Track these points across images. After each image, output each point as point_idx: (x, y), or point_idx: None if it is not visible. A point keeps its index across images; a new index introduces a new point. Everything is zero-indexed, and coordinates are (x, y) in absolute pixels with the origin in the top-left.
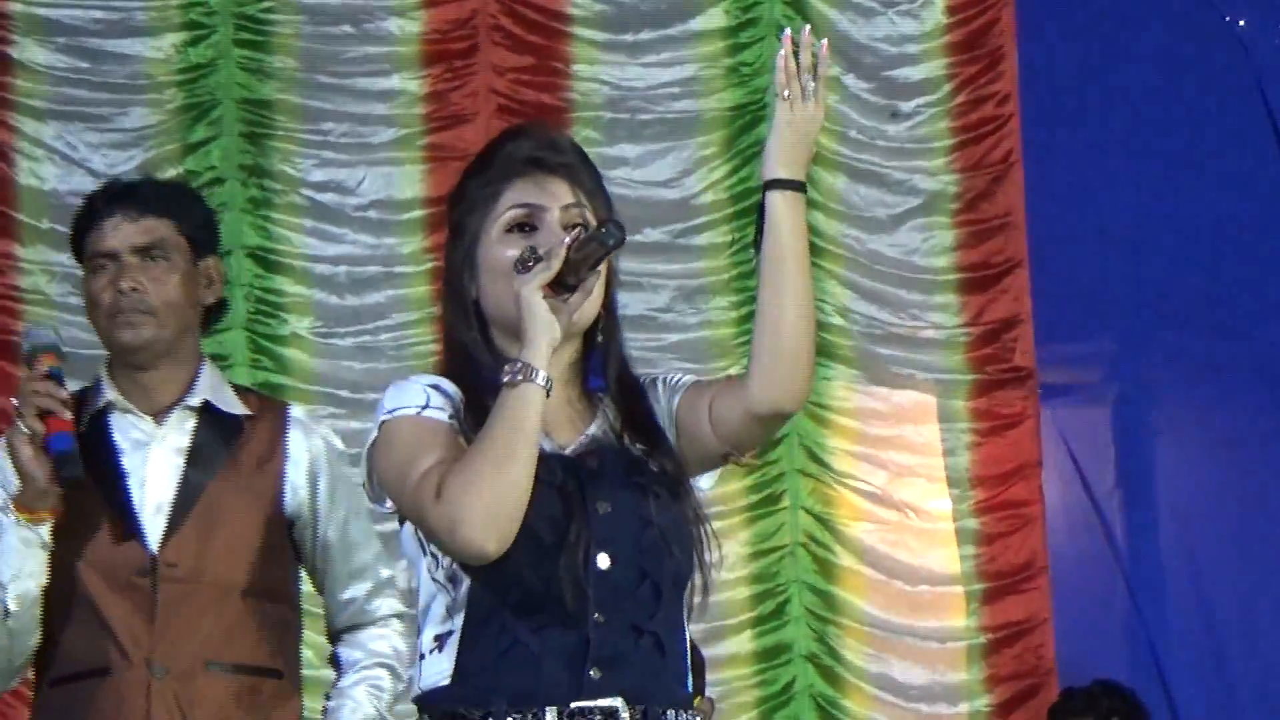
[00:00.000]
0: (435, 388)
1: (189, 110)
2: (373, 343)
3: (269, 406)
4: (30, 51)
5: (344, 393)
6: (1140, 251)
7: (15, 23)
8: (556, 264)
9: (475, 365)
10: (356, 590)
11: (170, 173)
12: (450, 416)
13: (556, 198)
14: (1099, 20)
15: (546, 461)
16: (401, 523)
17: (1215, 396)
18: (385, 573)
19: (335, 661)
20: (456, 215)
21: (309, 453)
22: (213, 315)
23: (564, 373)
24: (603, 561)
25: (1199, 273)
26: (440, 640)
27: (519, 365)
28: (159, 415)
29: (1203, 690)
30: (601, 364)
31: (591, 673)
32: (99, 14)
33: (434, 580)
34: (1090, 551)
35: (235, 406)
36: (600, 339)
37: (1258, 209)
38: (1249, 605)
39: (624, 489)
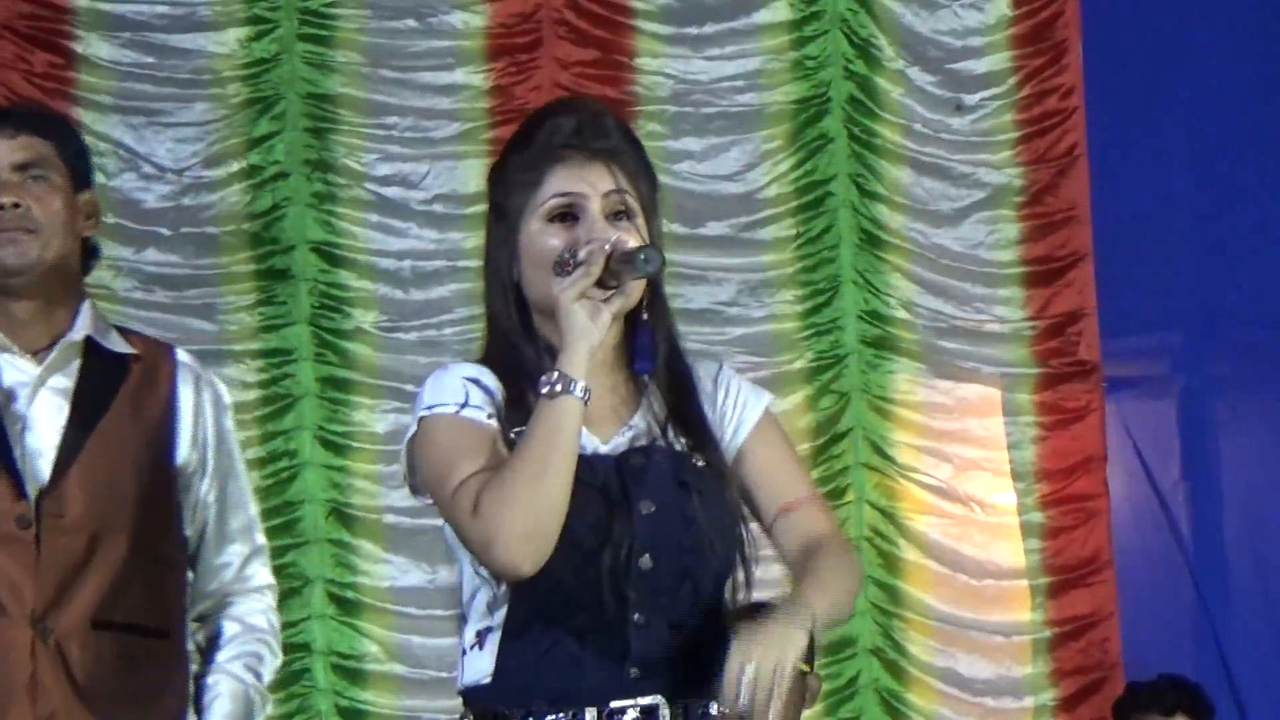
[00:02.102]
0: (475, 382)
1: (253, 104)
2: (437, 337)
3: (155, 348)
4: (95, 47)
5: (409, 387)
6: (1205, 245)
7: (80, 18)
8: (596, 271)
9: (516, 352)
10: (232, 555)
11: (235, 167)
12: (489, 416)
13: (597, 186)
14: (1166, 12)
15: (588, 462)
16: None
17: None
18: (260, 539)
19: (212, 633)
20: (498, 195)
21: (198, 401)
22: (88, 257)
23: (606, 355)
24: (645, 563)
25: (1264, 266)
26: (481, 637)
27: (556, 376)
28: (39, 354)
29: (1268, 685)
30: (651, 346)
31: (631, 672)
32: (163, 9)
33: (478, 574)
34: (1155, 545)
35: (120, 345)
36: (646, 317)
37: None
38: None
39: (668, 487)
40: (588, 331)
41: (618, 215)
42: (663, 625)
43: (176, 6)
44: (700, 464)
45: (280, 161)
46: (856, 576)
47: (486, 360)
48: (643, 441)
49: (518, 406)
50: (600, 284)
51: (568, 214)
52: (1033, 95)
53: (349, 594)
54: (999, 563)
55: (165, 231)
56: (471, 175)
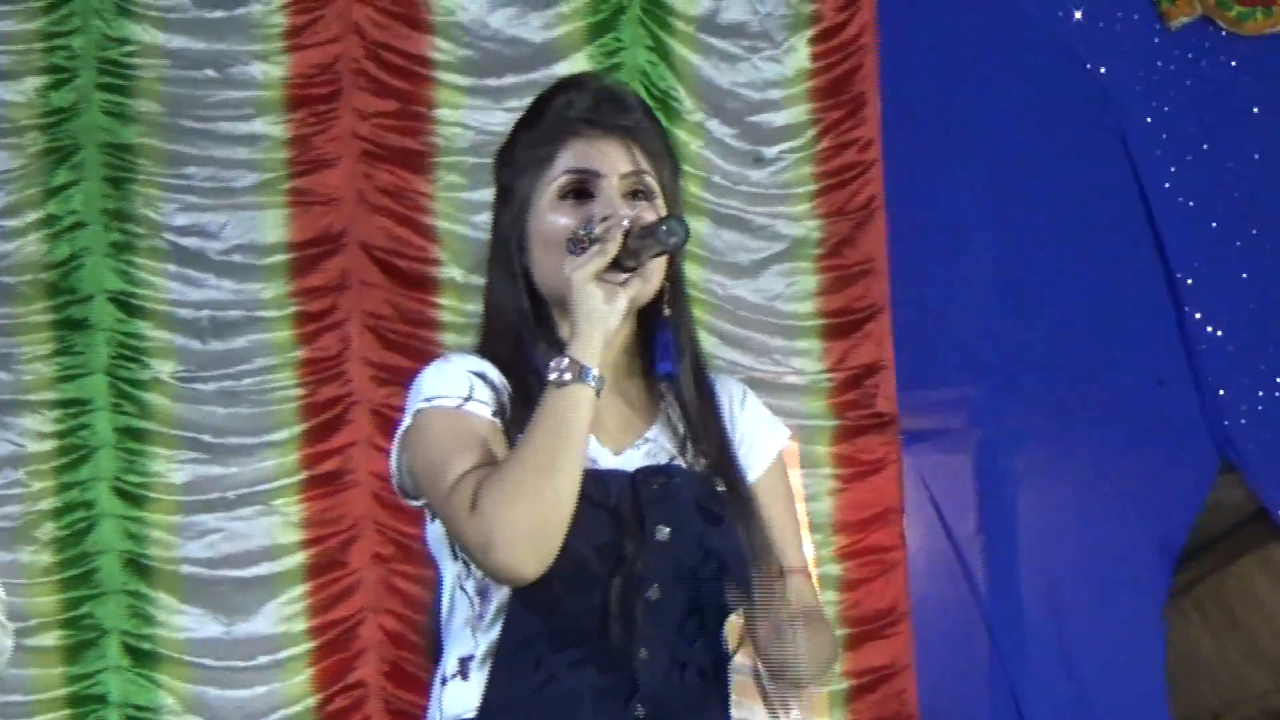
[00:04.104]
0: (480, 376)
1: (50, 154)
2: (235, 388)
3: None
4: None
5: (207, 437)
6: (1002, 297)
7: None
8: (613, 249)
9: (525, 344)
10: None
11: (32, 217)
12: (494, 413)
13: (614, 164)
14: (962, 67)
15: (599, 478)
16: (431, 519)
17: (1075, 441)
18: None
19: None
20: (506, 176)
21: None
22: None
23: (618, 357)
24: (653, 594)
25: (1061, 318)
26: (464, 665)
27: (566, 362)
28: None
29: None
30: (673, 348)
31: (637, 710)
32: None
33: (461, 589)
34: (952, 597)
35: None
36: (667, 312)
37: (1118, 256)
38: (1110, 652)
39: (687, 513)
40: (603, 315)
41: (636, 195)
42: (667, 659)
43: None
44: (722, 489)
45: (78, 211)
46: (836, 654)
47: (485, 353)
48: (661, 458)
49: (526, 407)
50: (618, 265)
51: (581, 192)
52: (831, 148)
53: (145, 645)
54: None
55: None
56: (270, 225)
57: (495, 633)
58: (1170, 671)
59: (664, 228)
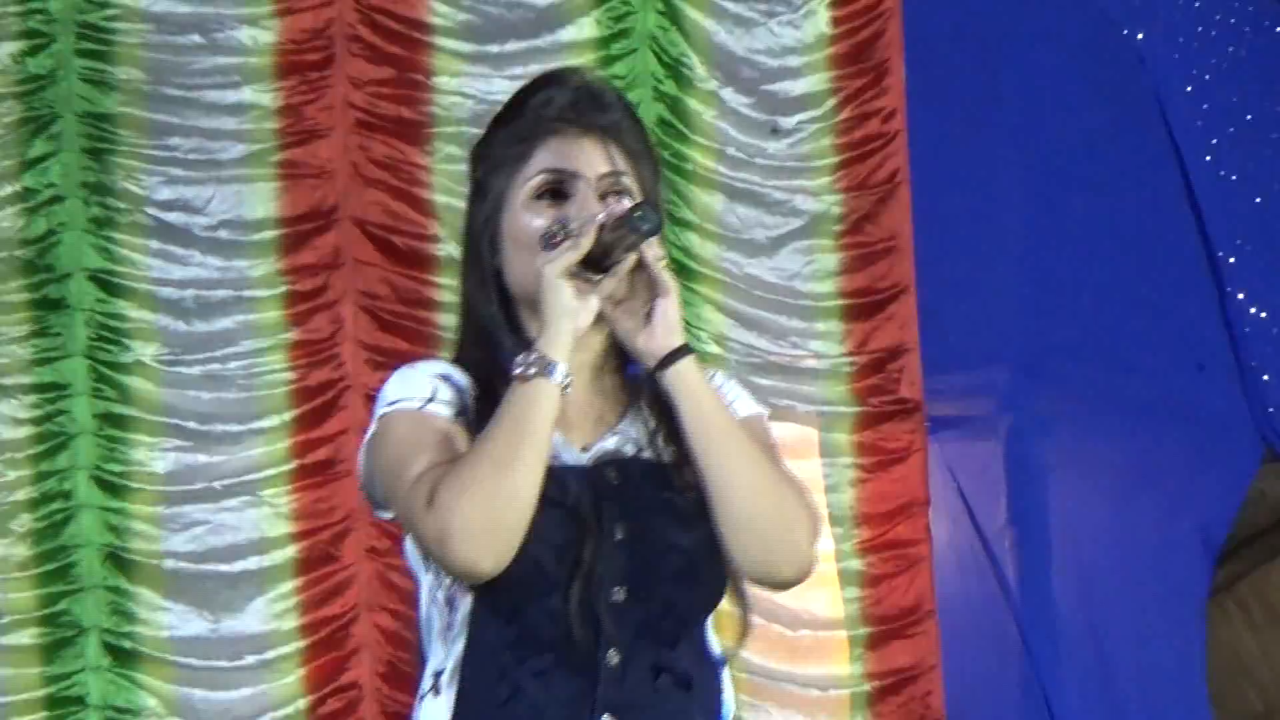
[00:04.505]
0: (444, 379)
1: (26, 124)
2: (222, 371)
3: None
4: None
5: (191, 424)
6: (1033, 277)
7: None
8: (586, 243)
9: (495, 346)
10: None
11: (7, 190)
12: (457, 414)
13: (592, 164)
14: (992, 34)
15: (559, 476)
16: (406, 533)
17: (1111, 429)
18: None
19: None
20: (480, 172)
21: None
22: None
23: (595, 359)
24: (618, 595)
25: (1094, 299)
26: (437, 680)
27: (534, 357)
28: None
29: None
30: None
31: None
32: None
33: (434, 602)
34: (980, 594)
35: None
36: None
37: (1156, 234)
38: (1145, 649)
39: (647, 508)
40: (572, 311)
41: (613, 196)
42: (643, 667)
43: None
44: (689, 480)
45: (56, 184)
46: (803, 515)
47: (460, 359)
48: (628, 451)
49: (492, 406)
50: (594, 265)
51: (557, 192)
52: (853, 118)
53: (126, 644)
54: (815, 612)
55: None
56: (259, 199)
57: (461, 645)
58: (1211, 672)
59: (637, 214)
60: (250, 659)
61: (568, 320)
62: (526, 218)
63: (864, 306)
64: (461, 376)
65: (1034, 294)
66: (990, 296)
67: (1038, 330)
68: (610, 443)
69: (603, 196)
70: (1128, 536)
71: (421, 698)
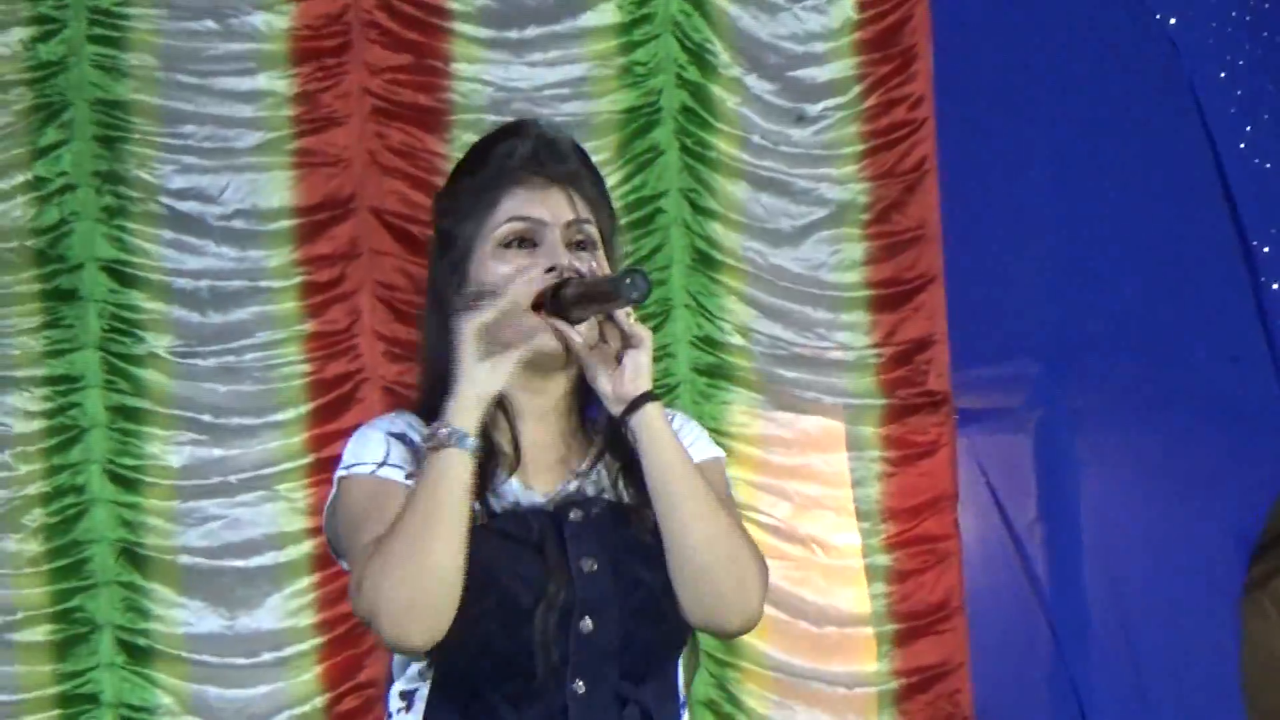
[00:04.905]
0: (400, 438)
1: (38, 111)
2: (237, 363)
3: None
4: None
5: (206, 417)
6: (1064, 268)
7: None
8: (504, 303)
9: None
10: None
11: (18, 179)
12: (409, 476)
13: (558, 212)
14: (1021, 19)
15: (522, 516)
16: None
17: (1144, 423)
18: None
19: None
20: (446, 222)
21: None
22: None
23: (558, 403)
24: (585, 626)
25: (1127, 291)
26: (408, 698)
27: (442, 429)
28: None
29: None
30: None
31: None
32: None
33: None
34: (1010, 590)
35: None
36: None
37: (1188, 223)
38: (1178, 647)
39: (611, 545)
40: (479, 378)
41: (579, 245)
42: (608, 696)
43: None
44: (650, 522)
45: (67, 173)
46: (754, 568)
47: (423, 408)
48: (590, 492)
49: None
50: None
51: (525, 240)
52: (879, 105)
53: (140, 641)
54: (841, 608)
55: None
56: (275, 188)
57: (433, 671)
58: (1243, 669)
59: (627, 281)
60: (267, 656)
61: (474, 386)
62: (494, 265)
63: (891, 297)
64: (417, 433)
65: (1065, 285)
66: (1020, 287)
67: (1068, 322)
68: (572, 485)
69: (568, 245)
70: (1159, 531)
71: (390, 716)
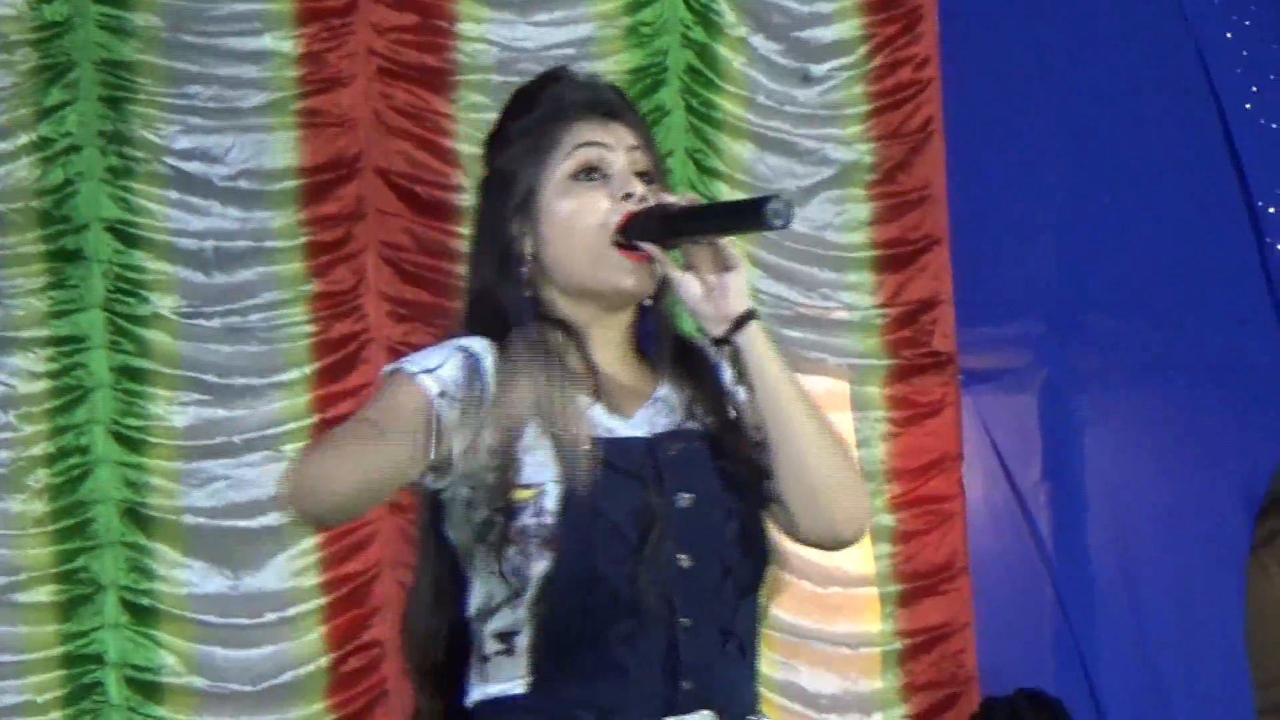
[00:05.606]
0: (465, 352)
1: (42, 72)
2: (242, 324)
3: None
4: None
5: (210, 377)
6: (1069, 229)
7: None
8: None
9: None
10: None
11: (23, 140)
12: (441, 394)
13: (621, 139)
14: None
15: (620, 446)
16: (430, 507)
17: (1149, 384)
18: None
19: None
20: (501, 162)
21: None
22: None
23: (623, 335)
24: (684, 561)
25: (1132, 252)
26: (508, 640)
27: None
28: None
29: (1133, 699)
30: (656, 328)
31: (684, 684)
32: None
33: (491, 573)
34: (1014, 550)
35: None
36: (651, 301)
37: (1195, 184)
38: (1183, 608)
39: (706, 477)
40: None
41: (644, 176)
42: (712, 631)
43: None
44: (735, 450)
45: (72, 134)
46: (859, 477)
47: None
48: (677, 418)
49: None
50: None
51: (595, 169)
52: (885, 66)
53: (144, 601)
54: (846, 569)
55: None
56: (280, 149)
57: (540, 609)
58: (1249, 628)
59: (771, 205)
60: (271, 616)
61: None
62: (571, 198)
63: (896, 257)
64: (490, 361)
65: (1070, 245)
66: (1025, 248)
67: (1074, 282)
68: (655, 408)
69: (637, 173)
70: (1165, 492)
71: (486, 659)
